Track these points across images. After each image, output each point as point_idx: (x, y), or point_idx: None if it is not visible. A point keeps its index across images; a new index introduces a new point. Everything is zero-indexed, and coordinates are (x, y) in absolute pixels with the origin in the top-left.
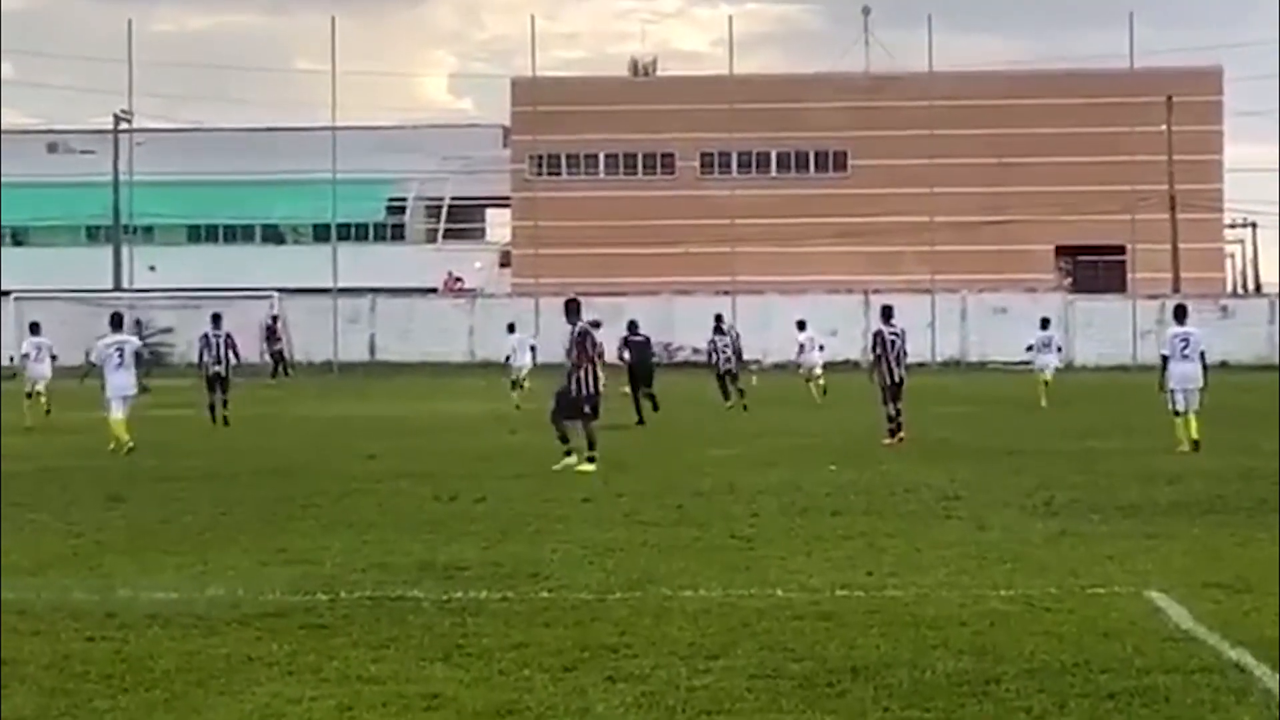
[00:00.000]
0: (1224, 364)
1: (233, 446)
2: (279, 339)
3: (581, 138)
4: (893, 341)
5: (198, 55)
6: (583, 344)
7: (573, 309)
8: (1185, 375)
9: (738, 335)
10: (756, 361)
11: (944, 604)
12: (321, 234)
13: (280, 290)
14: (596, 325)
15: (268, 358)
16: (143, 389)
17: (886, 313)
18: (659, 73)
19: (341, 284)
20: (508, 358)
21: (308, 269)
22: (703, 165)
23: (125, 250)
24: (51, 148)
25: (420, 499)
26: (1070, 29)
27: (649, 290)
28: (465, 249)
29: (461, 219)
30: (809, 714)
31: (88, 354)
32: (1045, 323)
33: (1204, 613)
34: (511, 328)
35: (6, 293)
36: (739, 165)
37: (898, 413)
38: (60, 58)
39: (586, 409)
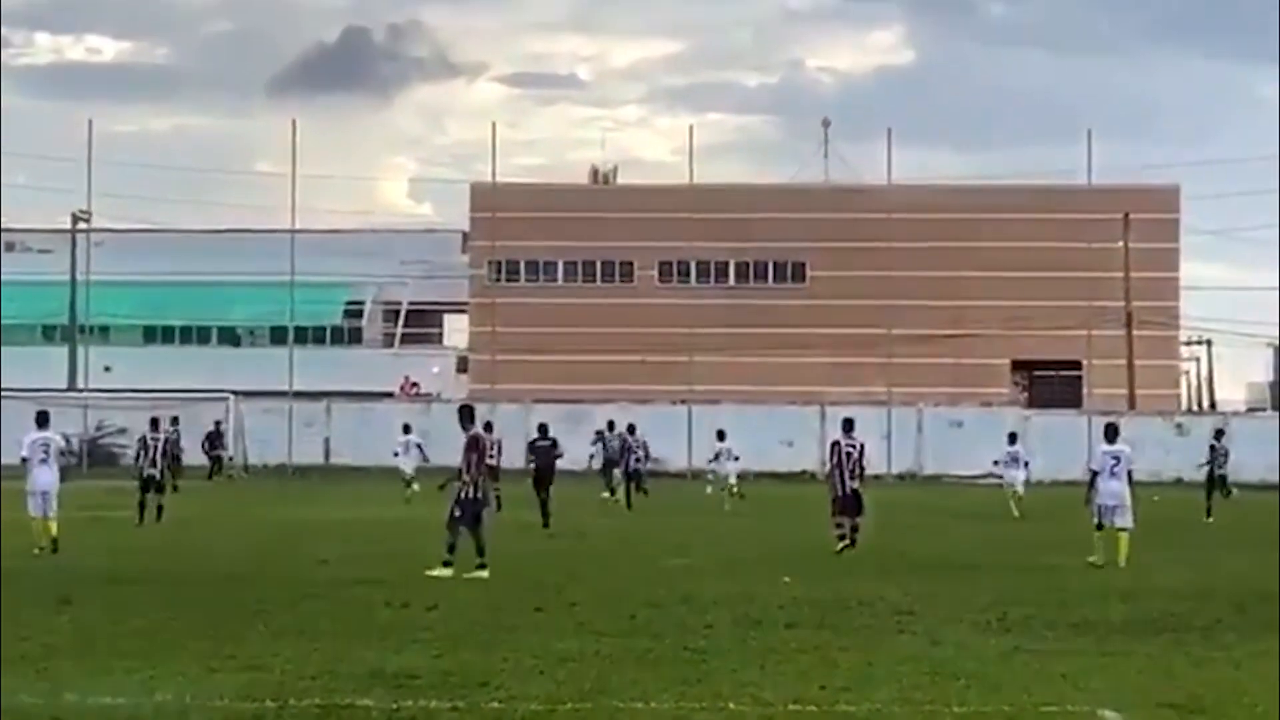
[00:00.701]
0: (1179, 480)
1: (183, 549)
2: (221, 444)
3: (541, 244)
4: (849, 453)
5: (158, 156)
6: (470, 450)
7: (465, 415)
8: (1113, 492)
9: (644, 444)
10: (712, 471)
11: None
12: (278, 336)
13: (236, 392)
14: (488, 429)
15: (207, 460)
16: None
17: (847, 425)
18: (619, 181)
19: (297, 387)
20: (395, 453)
21: (264, 371)
22: (661, 274)
23: (81, 350)
24: (9, 246)
25: (372, 605)
26: (1029, 145)
27: (607, 398)
28: (422, 353)
29: (419, 323)
30: None
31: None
32: (1013, 438)
33: None
34: (406, 428)
35: None
36: (698, 274)
37: (853, 525)
38: (19, 156)
39: (471, 516)
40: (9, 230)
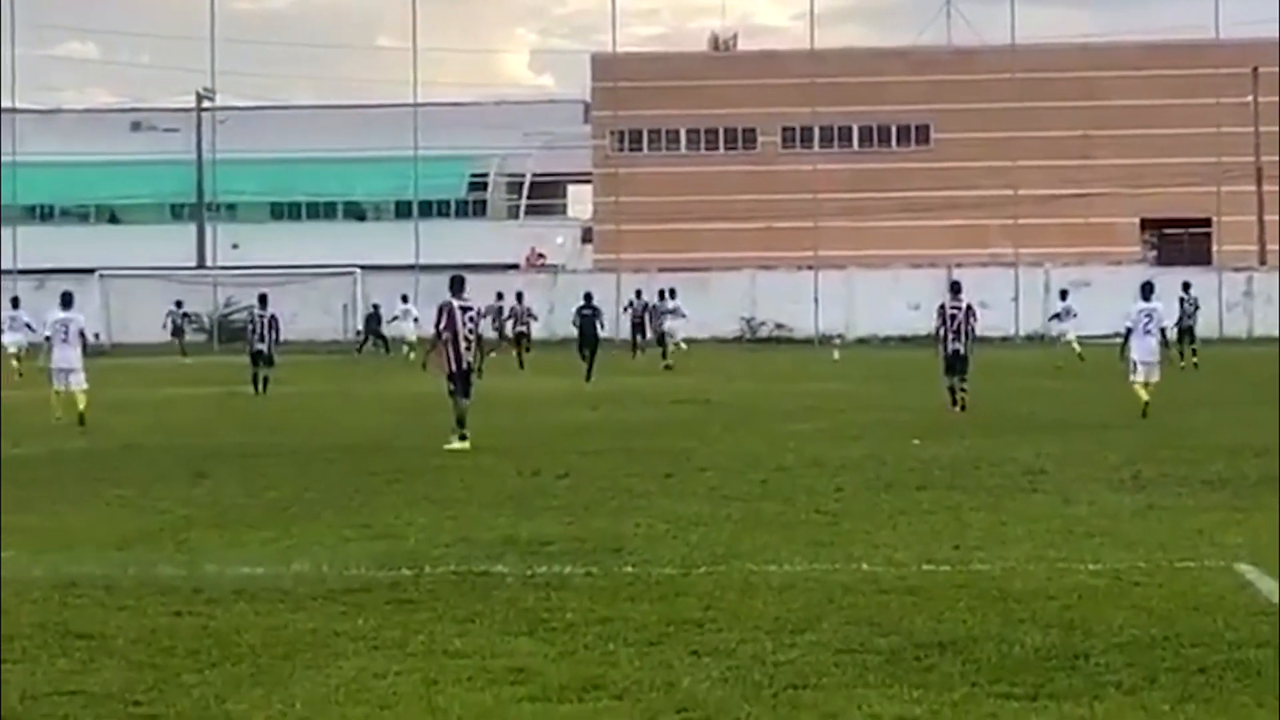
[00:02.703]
0: None
1: (316, 422)
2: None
3: (662, 113)
4: (953, 315)
5: (280, 33)
6: (439, 320)
7: (454, 284)
8: (1147, 348)
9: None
10: (839, 336)
11: (1031, 578)
12: (403, 211)
13: (362, 267)
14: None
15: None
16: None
17: (954, 288)
18: (739, 48)
19: (423, 260)
20: (394, 318)
21: (389, 246)
22: (784, 140)
23: (209, 228)
24: (135, 126)
25: (503, 474)
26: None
27: (731, 265)
28: (547, 225)
29: (543, 195)
30: (895, 689)
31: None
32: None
33: None
34: (405, 298)
35: (92, 270)
36: (820, 140)
37: (962, 385)
38: (144, 36)
39: (453, 386)
40: (136, 110)
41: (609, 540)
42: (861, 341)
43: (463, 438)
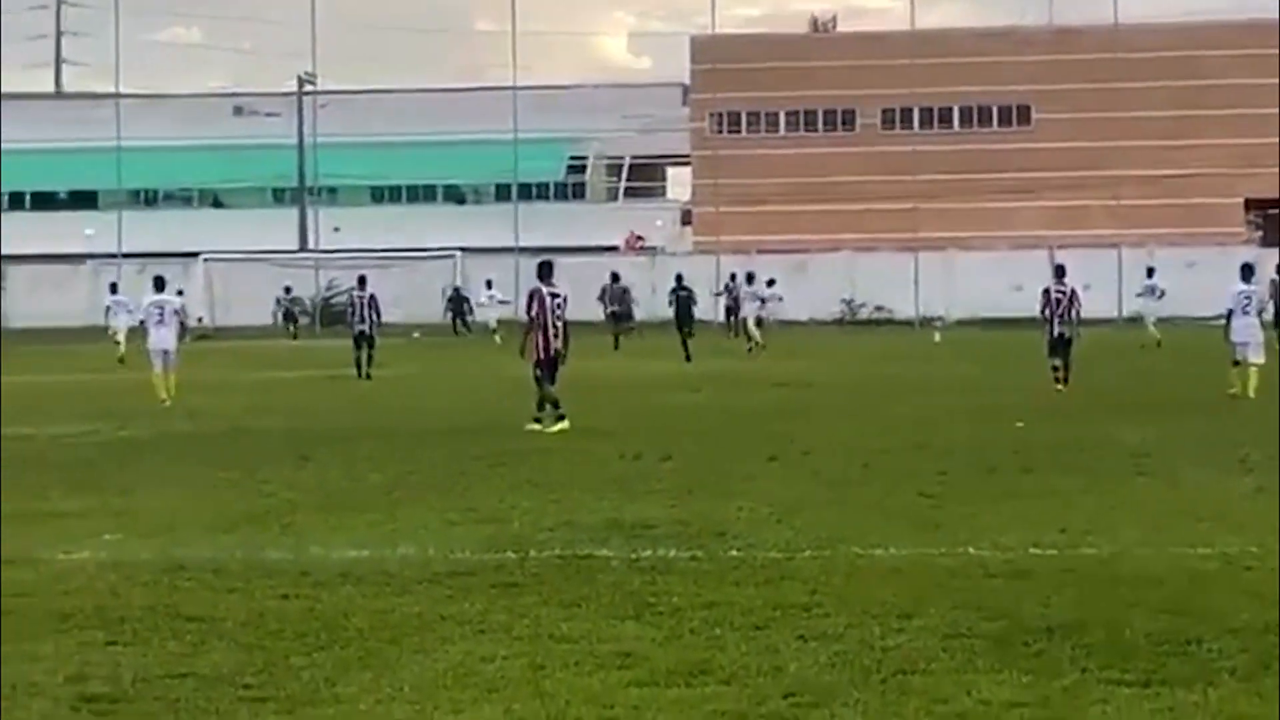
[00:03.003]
0: None
1: (418, 405)
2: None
3: (762, 95)
4: (1058, 299)
5: (380, 17)
6: (529, 306)
7: (543, 270)
8: (1246, 329)
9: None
10: (940, 318)
11: (1140, 562)
12: (503, 194)
13: (462, 250)
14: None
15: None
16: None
17: (1059, 271)
18: (839, 29)
19: (523, 243)
20: (480, 304)
21: (489, 228)
22: (884, 121)
23: (310, 212)
24: (238, 111)
25: (605, 457)
26: None
27: (830, 247)
28: (646, 207)
29: (642, 177)
30: (1004, 674)
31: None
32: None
33: None
34: (489, 283)
35: (196, 254)
36: (921, 121)
37: (1065, 365)
38: (246, 21)
39: (539, 371)
40: (238, 94)
41: (713, 524)
42: (962, 323)
43: (560, 417)
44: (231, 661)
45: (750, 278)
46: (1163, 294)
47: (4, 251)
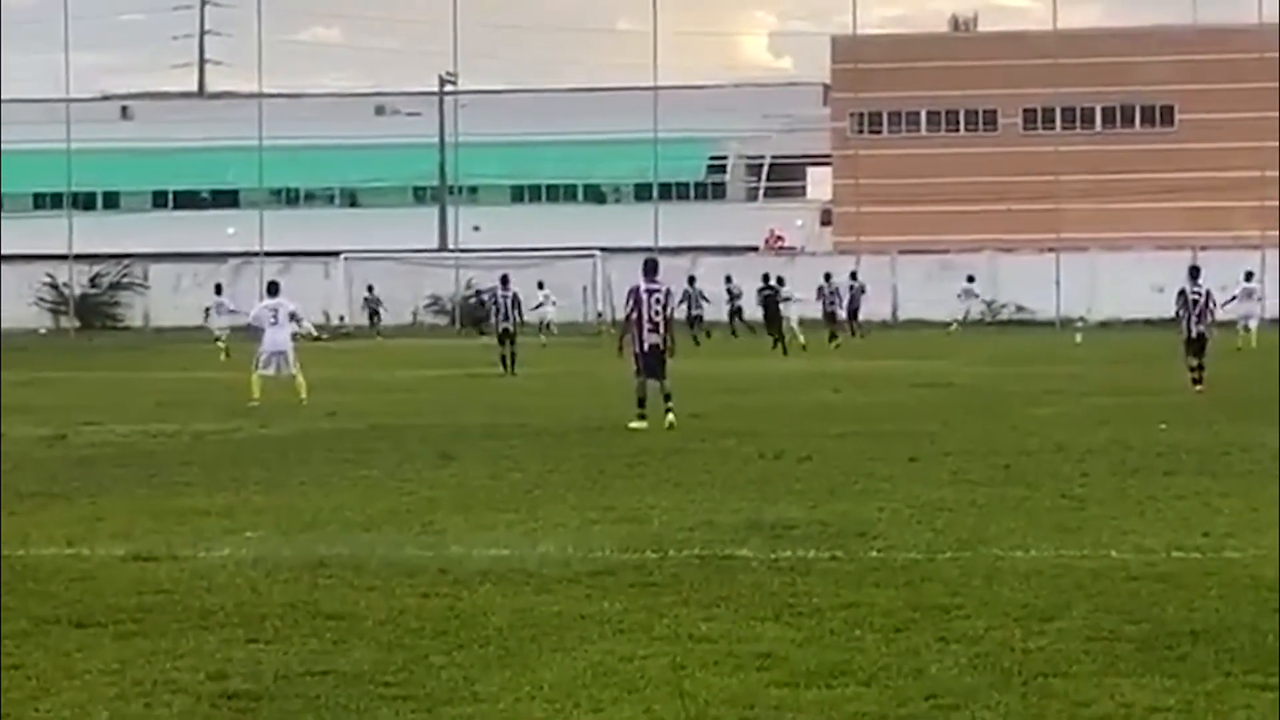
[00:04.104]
0: None
1: (557, 404)
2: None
3: (903, 94)
4: (1194, 300)
5: (521, 17)
6: (627, 303)
7: (647, 267)
8: None
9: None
10: (1081, 319)
11: None
12: (643, 193)
13: (602, 249)
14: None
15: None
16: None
17: (1193, 272)
18: (980, 28)
19: (663, 243)
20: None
21: (629, 228)
22: (1026, 121)
23: (451, 210)
24: (379, 110)
25: (745, 457)
26: None
27: (971, 247)
28: (786, 207)
29: (782, 177)
30: (1148, 678)
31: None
32: None
33: None
34: (540, 284)
35: (337, 253)
36: (1063, 121)
37: (1199, 365)
38: (387, 21)
39: (639, 367)
40: (379, 94)
41: (853, 524)
42: (1104, 324)
43: (640, 417)
44: (371, 660)
45: (843, 276)
46: (1261, 298)
47: (137, 250)
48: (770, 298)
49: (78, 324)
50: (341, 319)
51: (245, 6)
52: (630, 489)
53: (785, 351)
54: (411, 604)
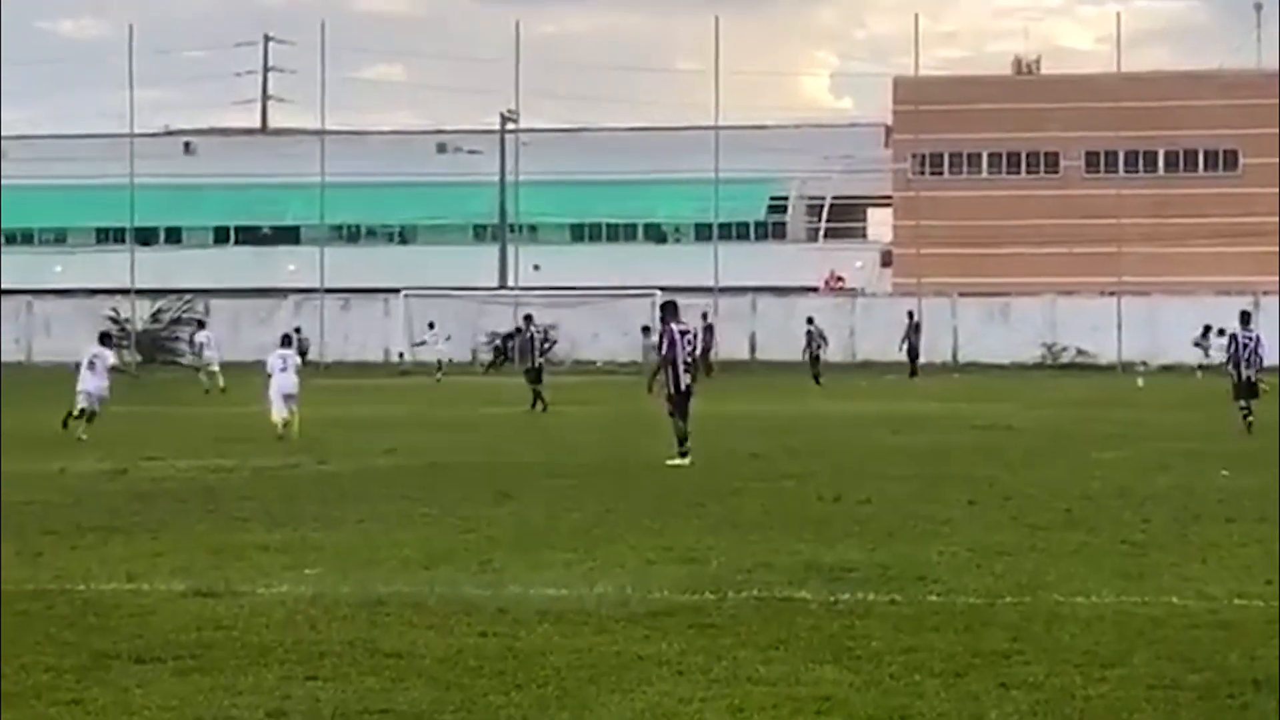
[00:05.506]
0: None
1: (614, 442)
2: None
3: (964, 136)
4: (1245, 344)
5: (582, 56)
6: (661, 344)
7: (669, 309)
8: None
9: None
10: (1143, 363)
11: None
12: (703, 233)
13: (661, 289)
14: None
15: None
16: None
17: (1244, 318)
18: (1042, 71)
19: (722, 282)
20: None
21: (689, 268)
22: (1088, 164)
23: (511, 249)
24: (440, 148)
25: (804, 499)
26: None
27: (1031, 290)
28: (846, 248)
29: (843, 218)
30: None
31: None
32: None
33: None
34: (431, 325)
35: (396, 290)
36: (1125, 164)
37: (1247, 408)
38: (448, 59)
39: (671, 407)
40: (440, 132)
41: (912, 567)
42: (1166, 369)
43: (684, 454)
44: (429, 698)
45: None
46: None
47: (198, 286)
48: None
49: (139, 358)
50: (401, 356)
51: (308, 44)
52: (689, 529)
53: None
54: (470, 643)
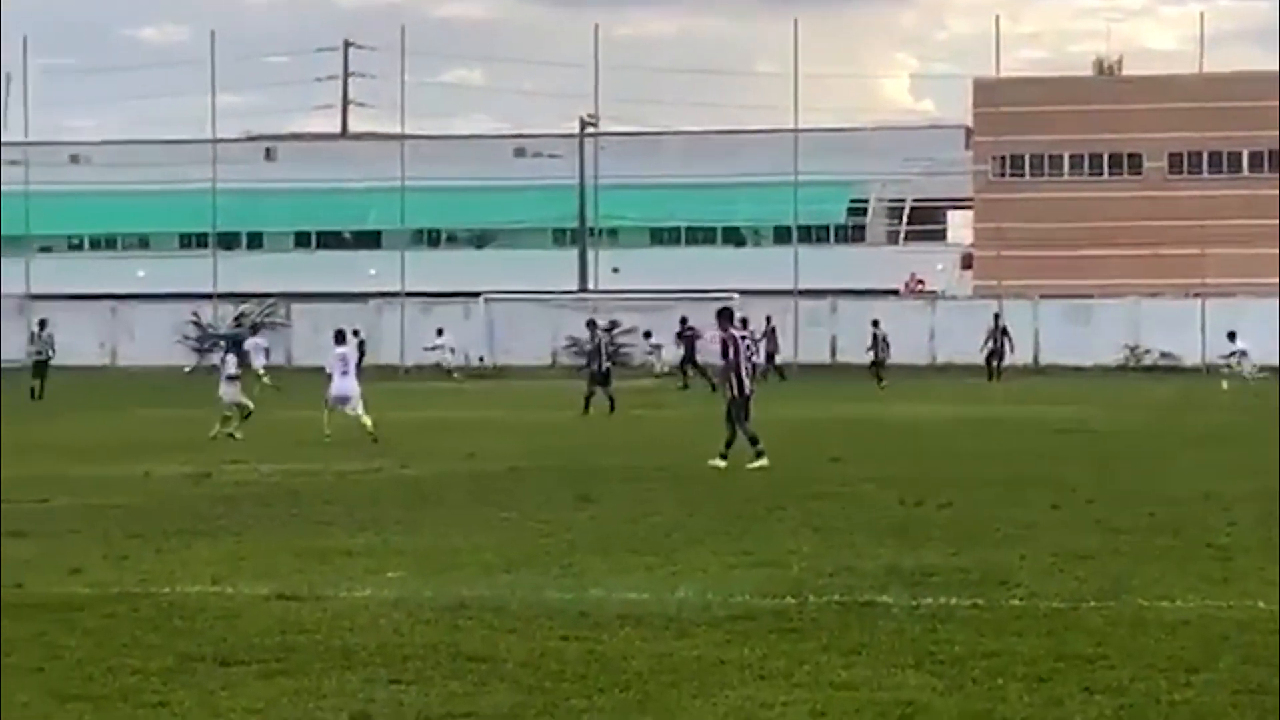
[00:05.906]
0: None
1: (694, 446)
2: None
3: (1046, 138)
4: None
5: (661, 59)
6: (725, 351)
7: (726, 316)
8: None
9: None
10: (1227, 365)
11: None
12: (782, 236)
13: (741, 292)
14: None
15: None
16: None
17: None
18: (1124, 71)
19: (802, 285)
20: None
21: (768, 270)
22: (1171, 165)
23: (590, 252)
24: (519, 152)
25: (885, 503)
26: None
27: (1115, 293)
28: (927, 250)
29: (923, 220)
30: None
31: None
32: None
33: None
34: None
35: (477, 294)
36: (1209, 165)
37: None
38: (526, 63)
39: (735, 411)
40: (520, 136)
41: (995, 572)
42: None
43: (759, 454)
44: (512, 702)
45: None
46: None
47: (279, 290)
48: (690, 338)
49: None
50: (481, 359)
51: (388, 49)
52: (769, 533)
53: (714, 389)
54: (552, 647)
